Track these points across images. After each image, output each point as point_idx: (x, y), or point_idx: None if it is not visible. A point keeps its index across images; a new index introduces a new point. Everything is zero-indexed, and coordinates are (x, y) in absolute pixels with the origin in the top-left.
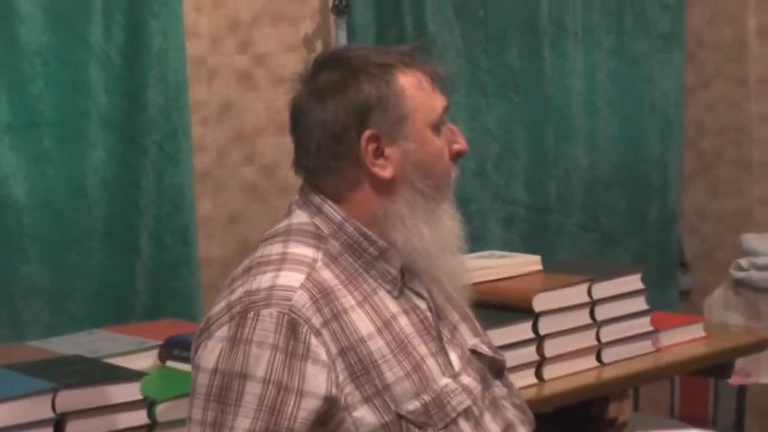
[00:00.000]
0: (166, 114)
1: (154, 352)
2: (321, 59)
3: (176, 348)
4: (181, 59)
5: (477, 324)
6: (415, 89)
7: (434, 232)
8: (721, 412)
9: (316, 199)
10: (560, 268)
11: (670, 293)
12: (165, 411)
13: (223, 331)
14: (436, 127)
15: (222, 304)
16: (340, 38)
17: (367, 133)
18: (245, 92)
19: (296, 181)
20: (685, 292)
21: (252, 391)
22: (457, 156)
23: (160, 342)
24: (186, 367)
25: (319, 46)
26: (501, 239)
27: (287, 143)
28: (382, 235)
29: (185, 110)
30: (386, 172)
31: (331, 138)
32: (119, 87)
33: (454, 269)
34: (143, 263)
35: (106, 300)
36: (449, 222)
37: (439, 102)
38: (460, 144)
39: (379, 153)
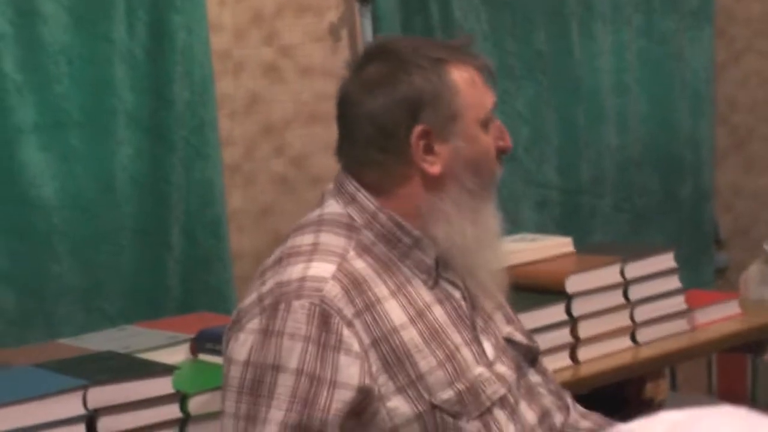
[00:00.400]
0: (192, 109)
1: (186, 346)
2: (371, 49)
3: (208, 341)
4: (206, 53)
5: (510, 312)
6: (467, 85)
7: (476, 230)
8: (759, 389)
9: (351, 187)
10: (592, 249)
11: (706, 271)
12: (198, 404)
13: (254, 324)
14: (485, 124)
15: (253, 296)
16: (365, 27)
17: (418, 128)
18: (272, 84)
19: (327, 171)
20: (721, 270)
21: (285, 383)
22: (501, 153)
23: (192, 336)
24: (218, 360)
25: (344, 36)
26: (534, 223)
27: (316, 134)
28: (421, 227)
29: (212, 104)
30: (435, 169)
31: (381, 131)
32: (145, 84)
33: (491, 265)
34: (175, 259)
35: (139, 297)
36: (492, 220)
37: (489, 98)
38: (506, 142)
39: (429, 149)
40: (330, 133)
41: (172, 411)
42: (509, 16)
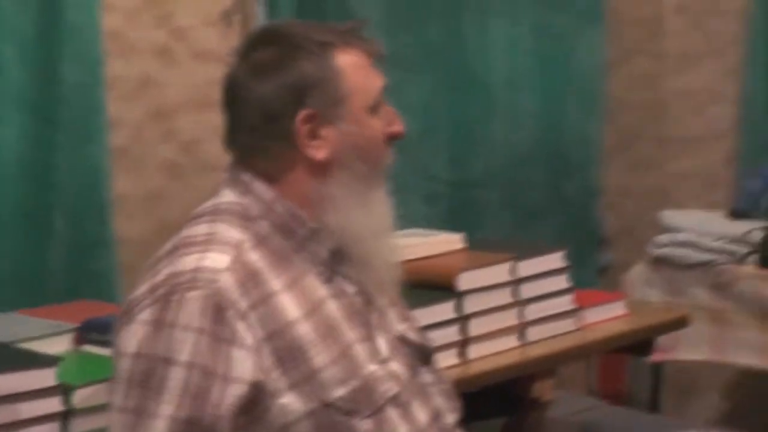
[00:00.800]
0: (81, 90)
1: (70, 336)
2: (259, 34)
3: (94, 331)
4: (97, 34)
5: (404, 309)
6: (354, 69)
7: (368, 217)
8: (637, 388)
9: (246, 177)
10: (483, 245)
11: (590, 270)
12: (83, 397)
13: (146, 314)
14: (374, 109)
15: (145, 286)
16: (259, 11)
17: (302, 113)
18: (164, 67)
19: (216, 158)
20: (604, 269)
21: (176, 376)
22: (392, 139)
23: (76, 325)
24: (104, 351)
25: (238, 20)
26: (423, 216)
27: (207, 120)
28: (315, 217)
29: (101, 86)
30: (320, 154)
31: (268, 117)
32: (33, 63)
33: (385, 254)
34: (59, 244)
35: (22, 283)
36: (382, 207)
37: (377, 82)
38: (397, 127)
39: (314, 134)
40: (221, 118)
41: (56, 404)
42: (404, 7)
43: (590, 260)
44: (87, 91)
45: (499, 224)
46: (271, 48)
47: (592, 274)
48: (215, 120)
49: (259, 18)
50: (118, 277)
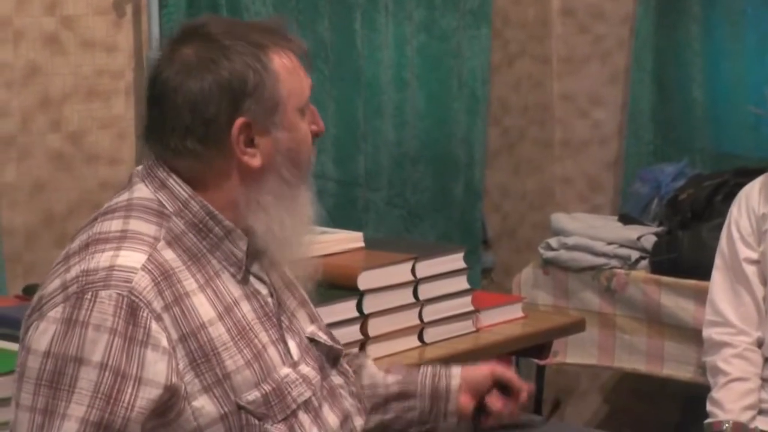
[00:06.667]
0: None
1: None
2: (186, 30)
3: None
4: None
5: (314, 310)
6: (288, 73)
7: (294, 220)
8: None
9: (161, 173)
10: (382, 245)
11: (474, 271)
12: None
13: (57, 312)
14: (302, 111)
15: (56, 283)
16: (150, 3)
17: (239, 120)
18: (52, 56)
19: (104, 149)
20: (487, 270)
21: (87, 376)
22: (316, 137)
23: None
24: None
25: (129, 10)
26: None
27: (94, 109)
28: (235, 219)
29: None
30: (255, 162)
31: (200, 121)
32: None
33: (304, 255)
34: None
35: None
36: (307, 208)
37: (307, 84)
38: (319, 125)
39: (249, 141)
40: (109, 110)
41: None
42: (294, 2)
43: (474, 261)
44: None
45: (385, 223)
46: (200, 46)
47: (476, 276)
48: (101, 110)
49: (151, 9)
50: (2, 268)
